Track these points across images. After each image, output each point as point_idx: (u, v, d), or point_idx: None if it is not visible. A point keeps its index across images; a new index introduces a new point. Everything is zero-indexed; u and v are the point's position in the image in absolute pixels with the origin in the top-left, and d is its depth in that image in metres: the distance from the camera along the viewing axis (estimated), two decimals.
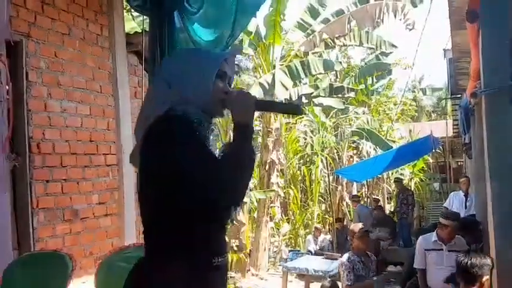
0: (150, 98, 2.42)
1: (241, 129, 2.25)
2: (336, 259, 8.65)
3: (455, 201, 12.14)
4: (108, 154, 6.05)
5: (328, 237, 14.78)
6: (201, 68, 2.29)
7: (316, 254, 12.58)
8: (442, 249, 6.40)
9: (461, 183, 12.61)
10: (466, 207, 11.80)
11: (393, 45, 15.91)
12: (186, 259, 2.15)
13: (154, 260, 2.20)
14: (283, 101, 11.55)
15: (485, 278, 4.73)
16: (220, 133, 13.10)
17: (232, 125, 2.28)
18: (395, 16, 12.05)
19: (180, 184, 2.08)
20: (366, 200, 21.63)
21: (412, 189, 20.02)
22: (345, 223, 15.45)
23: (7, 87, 4.50)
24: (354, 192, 21.22)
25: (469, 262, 4.81)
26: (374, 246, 7.59)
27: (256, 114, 14.11)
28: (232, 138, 2.27)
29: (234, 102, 2.27)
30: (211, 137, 2.35)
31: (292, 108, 2.63)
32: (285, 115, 14.70)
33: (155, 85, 2.41)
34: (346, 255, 6.59)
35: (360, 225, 7.02)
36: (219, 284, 2.29)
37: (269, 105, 2.72)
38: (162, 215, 2.19)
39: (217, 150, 2.33)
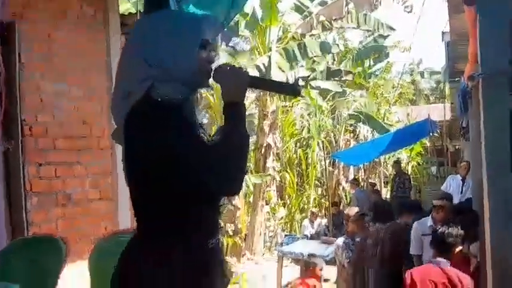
0: (126, 70, 2.26)
1: (232, 108, 2.15)
2: (332, 243, 8.65)
3: (452, 185, 12.18)
4: (101, 137, 6.00)
5: (324, 221, 14.79)
6: (182, 36, 2.17)
7: (312, 238, 12.59)
8: None
9: (461, 167, 12.63)
10: (462, 191, 11.83)
11: (391, 28, 15.86)
12: (180, 242, 2.13)
13: (147, 243, 2.18)
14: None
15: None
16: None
17: (223, 103, 2.17)
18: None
19: (170, 170, 2.04)
20: (362, 184, 21.67)
21: (409, 173, 20.04)
22: (341, 207, 15.45)
23: None
24: (351, 176, 21.22)
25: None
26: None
27: (253, 97, 14.11)
28: (223, 118, 2.16)
29: (225, 78, 2.15)
30: (197, 115, 2.25)
31: (289, 89, 2.50)
32: (282, 97, 14.68)
33: (130, 55, 2.26)
34: (341, 239, 6.61)
35: (356, 209, 7.04)
36: (216, 265, 2.26)
37: (264, 84, 2.59)
38: (152, 199, 2.16)
39: (203, 129, 2.24)
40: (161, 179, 2.08)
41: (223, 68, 2.20)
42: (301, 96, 19.95)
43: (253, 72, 12.70)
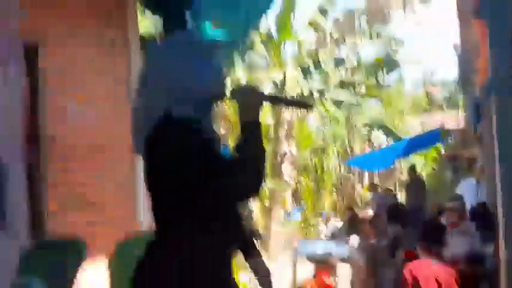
0: (144, 92, 2.34)
1: (248, 127, 2.22)
2: (347, 244, 8.71)
3: (467, 189, 12.15)
4: (122, 146, 6.11)
5: (339, 224, 14.78)
6: (202, 54, 2.30)
7: (328, 239, 12.64)
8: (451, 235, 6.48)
9: (475, 171, 12.62)
10: (478, 194, 11.82)
11: (402, 42, 15.92)
12: (200, 249, 2.20)
13: (166, 249, 2.24)
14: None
15: None
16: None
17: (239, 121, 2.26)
18: (404, 12, 12.09)
19: (190, 184, 2.14)
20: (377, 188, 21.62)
21: (424, 178, 19.98)
22: (355, 212, 15.46)
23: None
24: (366, 182, 21.24)
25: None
26: None
27: (269, 106, 14.21)
28: (240, 136, 2.23)
29: (241, 98, 2.25)
30: (214, 129, 2.37)
31: (301, 104, 2.64)
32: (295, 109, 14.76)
33: (148, 77, 2.34)
34: (355, 239, 6.67)
35: (369, 211, 7.09)
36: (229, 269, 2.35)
37: (278, 100, 2.74)
38: (174, 210, 2.23)
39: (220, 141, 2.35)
40: (182, 193, 2.16)
41: (240, 87, 2.34)
42: (313, 108, 20.02)
43: (269, 87, 12.89)
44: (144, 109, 2.29)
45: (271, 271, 2.90)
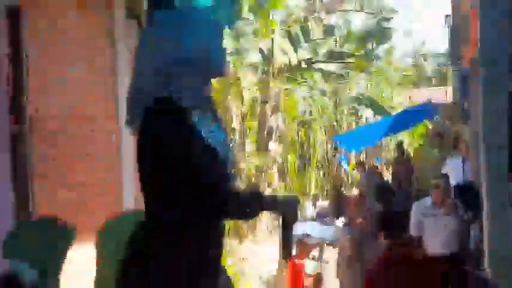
0: (141, 65, 2.34)
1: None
2: (333, 225, 8.75)
3: (453, 166, 12.20)
4: (107, 120, 6.06)
5: (326, 203, 14.85)
6: (205, 26, 2.30)
7: (313, 220, 12.69)
8: (437, 214, 6.48)
9: (460, 149, 12.67)
10: (463, 171, 11.88)
11: (394, 10, 15.83)
12: (190, 234, 2.23)
13: (158, 230, 2.26)
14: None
15: None
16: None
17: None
18: None
19: (181, 171, 2.14)
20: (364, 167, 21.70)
21: (411, 155, 20.05)
22: (342, 189, 15.51)
23: (7, 53, 4.52)
24: (353, 159, 21.26)
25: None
26: None
27: (255, 79, 14.10)
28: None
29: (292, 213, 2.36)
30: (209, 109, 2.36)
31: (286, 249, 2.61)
32: (285, 79, 14.66)
33: (145, 51, 2.34)
34: (341, 221, 6.68)
35: (356, 191, 7.08)
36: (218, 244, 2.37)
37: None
38: (165, 193, 2.23)
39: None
40: (173, 179, 2.16)
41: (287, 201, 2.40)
42: (304, 79, 20.00)
43: (255, 55, 12.80)
44: (138, 87, 2.29)
45: None
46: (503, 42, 4.24)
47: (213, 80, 2.44)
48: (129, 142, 6.25)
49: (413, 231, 6.67)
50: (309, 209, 13.96)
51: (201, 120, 2.23)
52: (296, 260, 6.86)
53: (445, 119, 21.82)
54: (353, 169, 20.30)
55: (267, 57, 13.05)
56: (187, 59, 2.21)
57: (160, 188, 2.23)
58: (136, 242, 2.31)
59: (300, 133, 19.41)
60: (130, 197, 6.09)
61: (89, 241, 4.62)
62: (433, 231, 6.51)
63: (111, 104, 6.10)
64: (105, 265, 3.56)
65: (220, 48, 2.31)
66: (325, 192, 17.96)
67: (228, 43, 13.38)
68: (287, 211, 2.35)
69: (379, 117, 18.70)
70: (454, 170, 11.91)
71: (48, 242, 3.63)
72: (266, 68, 13.84)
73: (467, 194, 7.77)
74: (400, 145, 16.58)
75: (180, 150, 2.13)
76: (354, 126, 21.27)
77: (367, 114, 21.61)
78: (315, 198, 14.28)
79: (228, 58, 2.39)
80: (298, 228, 10.22)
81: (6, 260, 3.44)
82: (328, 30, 14.45)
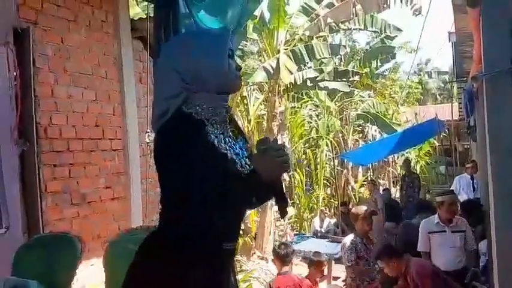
0: (162, 90, 2.43)
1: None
2: (341, 242, 8.73)
3: (462, 184, 12.19)
4: (114, 139, 6.13)
5: (334, 220, 14.84)
6: (214, 47, 2.35)
7: (321, 237, 12.67)
8: (445, 231, 6.49)
9: (468, 167, 12.67)
10: (474, 189, 11.85)
11: (398, 29, 15.88)
12: (196, 240, 2.25)
13: (166, 237, 2.32)
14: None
15: None
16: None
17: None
18: (401, 1, 12.00)
19: (193, 177, 2.18)
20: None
21: (418, 172, 20.05)
22: (350, 207, 15.47)
23: (15, 73, 4.58)
24: (360, 176, 21.24)
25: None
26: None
27: (261, 97, 14.11)
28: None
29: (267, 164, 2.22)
30: (224, 123, 2.41)
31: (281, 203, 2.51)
32: (291, 97, 14.64)
33: (161, 74, 2.47)
34: (349, 237, 6.66)
35: (364, 207, 7.06)
36: (226, 266, 2.43)
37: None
38: (177, 200, 2.28)
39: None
40: (186, 184, 2.20)
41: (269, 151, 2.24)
42: (310, 97, 20.06)
43: (261, 74, 12.85)
44: (161, 109, 2.37)
45: None
46: (507, 58, 4.26)
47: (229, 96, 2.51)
48: (136, 160, 6.31)
49: (421, 247, 6.69)
50: (317, 226, 13.94)
51: (215, 131, 2.32)
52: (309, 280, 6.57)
53: (452, 136, 21.83)
54: (360, 186, 20.30)
55: (273, 76, 13.09)
56: (199, 77, 2.30)
57: (168, 194, 2.32)
58: (143, 253, 2.38)
59: (306, 151, 19.43)
60: (139, 213, 6.14)
61: (97, 257, 4.66)
62: (440, 247, 6.52)
63: (118, 121, 6.18)
64: (113, 282, 3.58)
65: (230, 66, 2.37)
66: (332, 210, 17.93)
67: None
68: (260, 166, 2.22)
69: (384, 134, 18.70)
70: (464, 188, 11.93)
71: (57, 257, 3.65)
72: (272, 86, 13.89)
73: (474, 211, 7.79)
74: (407, 162, 16.56)
75: (188, 156, 2.19)
76: (360, 143, 21.29)
77: (373, 131, 21.65)
78: (323, 215, 14.26)
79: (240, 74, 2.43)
80: (307, 246, 10.25)
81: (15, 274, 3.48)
82: (333, 49, 14.47)
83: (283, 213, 2.40)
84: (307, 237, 12.91)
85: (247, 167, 2.35)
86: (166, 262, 2.27)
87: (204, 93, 2.32)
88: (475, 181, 12.26)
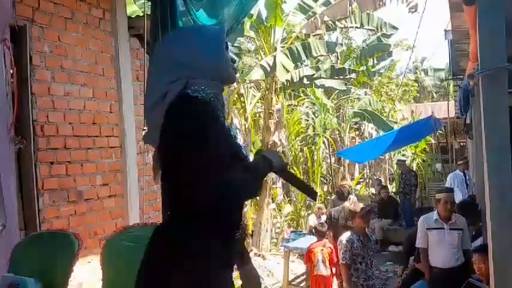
0: (159, 75, 2.44)
1: (264, 164, 2.42)
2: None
3: (455, 182, 12.28)
4: (110, 136, 6.14)
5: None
6: (213, 38, 2.43)
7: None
8: (443, 228, 6.51)
9: (460, 164, 12.76)
10: (467, 185, 11.94)
11: (394, 27, 15.90)
12: (212, 229, 2.24)
13: (181, 229, 2.27)
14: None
15: None
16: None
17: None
18: None
19: (204, 160, 2.17)
20: (368, 181, 21.73)
21: (414, 170, 20.10)
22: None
23: (11, 71, 4.58)
24: (356, 174, 21.27)
25: None
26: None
27: (258, 95, 14.08)
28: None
29: (274, 155, 2.47)
30: (223, 108, 2.47)
31: (309, 191, 2.72)
32: (287, 95, 14.59)
33: (162, 62, 2.46)
34: (345, 235, 6.68)
35: (361, 205, 7.09)
36: (235, 255, 2.50)
37: (291, 178, 2.77)
38: (186, 190, 2.23)
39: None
40: (198, 168, 2.17)
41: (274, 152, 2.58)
42: (306, 95, 20.08)
43: (258, 72, 12.86)
44: (159, 92, 2.38)
45: (260, 277, 2.92)
46: (503, 56, 4.27)
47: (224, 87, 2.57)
48: (133, 157, 6.32)
49: (419, 243, 6.73)
50: (312, 223, 13.94)
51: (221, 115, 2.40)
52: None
53: (448, 134, 21.86)
54: (357, 183, 20.34)
55: (270, 74, 13.10)
56: (198, 64, 2.36)
57: (184, 181, 2.23)
58: (156, 244, 2.36)
59: (303, 148, 19.46)
60: (136, 211, 6.15)
61: (94, 254, 4.67)
62: (437, 244, 6.55)
63: (115, 119, 6.18)
64: (110, 279, 3.59)
65: (226, 57, 2.44)
66: (329, 207, 17.93)
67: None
68: (276, 162, 2.44)
69: (381, 132, 18.73)
70: (459, 185, 12.01)
71: (54, 254, 3.67)
72: (269, 84, 13.91)
73: (471, 212, 7.81)
74: (401, 162, 16.60)
75: (212, 136, 2.20)
76: (356, 141, 21.32)
77: (370, 129, 21.68)
78: (320, 212, 14.23)
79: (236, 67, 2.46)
80: (303, 243, 10.26)
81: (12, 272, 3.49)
82: (330, 47, 14.48)
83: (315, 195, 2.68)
84: (304, 234, 12.91)
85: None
86: (199, 258, 2.25)
87: (203, 80, 2.35)
88: (467, 177, 12.35)
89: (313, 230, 9.84)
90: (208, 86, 2.35)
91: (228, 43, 2.48)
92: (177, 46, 2.41)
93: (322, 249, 8.21)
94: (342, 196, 13.17)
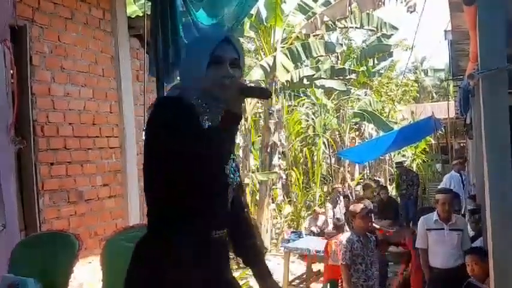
0: None
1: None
2: (337, 239, 8.77)
3: (452, 183, 12.27)
4: (111, 137, 6.14)
5: (330, 213, 14.73)
6: (194, 54, 2.36)
7: (317, 234, 12.69)
8: (443, 229, 6.51)
9: (455, 164, 12.76)
10: (463, 186, 11.95)
11: (394, 27, 15.90)
12: (185, 230, 2.24)
13: (157, 232, 2.32)
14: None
15: None
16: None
17: None
18: None
19: (169, 164, 2.20)
20: (368, 181, 21.69)
21: (414, 170, 20.09)
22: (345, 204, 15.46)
23: (11, 71, 4.58)
24: (356, 174, 21.25)
25: None
26: None
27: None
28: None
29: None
30: (210, 119, 2.30)
31: (258, 92, 2.46)
32: (287, 95, 14.56)
33: None
34: (345, 235, 6.66)
35: (361, 205, 7.06)
36: (219, 256, 2.39)
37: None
38: (158, 190, 2.29)
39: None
40: (163, 172, 2.23)
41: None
42: (306, 95, 20.07)
43: (258, 73, 12.86)
44: None
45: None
46: (503, 56, 4.27)
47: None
48: (133, 158, 6.32)
49: (418, 243, 6.73)
50: (312, 224, 13.94)
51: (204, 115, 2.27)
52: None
53: (448, 134, 21.87)
54: (357, 184, 20.31)
55: (270, 74, 13.11)
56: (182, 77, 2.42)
57: (156, 183, 2.30)
58: (136, 253, 2.36)
59: (303, 149, 19.46)
60: (136, 211, 6.15)
61: (94, 255, 4.66)
62: (437, 245, 6.54)
63: (115, 119, 6.18)
64: (110, 280, 3.59)
65: (212, 71, 2.33)
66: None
67: None
68: None
69: (381, 133, 18.73)
70: (456, 186, 12.00)
71: (54, 255, 3.67)
72: (269, 84, 13.91)
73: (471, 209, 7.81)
74: (400, 165, 16.58)
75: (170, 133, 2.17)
76: (356, 141, 21.32)
77: (370, 129, 21.68)
78: (316, 215, 14.24)
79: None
80: (303, 244, 10.28)
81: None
82: (330, 47, 14.50)
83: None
84: (304, 235, 12.93)
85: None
86: (160, 258, 2.27)
87: (186, 93, 2.31)
88: (464, 178, 12.35)
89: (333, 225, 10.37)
90: (188, 98, 2.28)
91: (222, 55, 2.32)
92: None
93: (336, 242, 8.27)
94: (335, 202, 13.24)
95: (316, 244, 9.97)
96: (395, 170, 19.23)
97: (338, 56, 22.69)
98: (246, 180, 13.35)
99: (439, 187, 11.25)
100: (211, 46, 2.32)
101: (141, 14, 6.49)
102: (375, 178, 19.87)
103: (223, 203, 2.39)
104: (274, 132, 14.12)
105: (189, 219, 2.25)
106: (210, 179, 2.25)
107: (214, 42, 2.34)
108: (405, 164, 17.42)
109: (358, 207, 6.86)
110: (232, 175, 2.40)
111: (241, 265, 2.71)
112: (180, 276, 2.23)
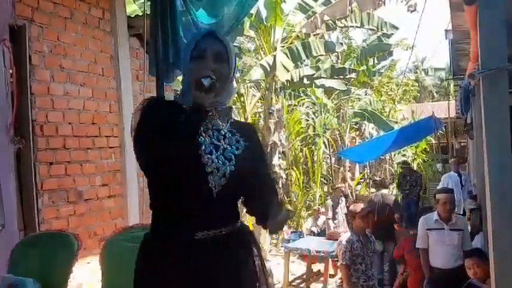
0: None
1: None
2: (337, 239, 8.76)
3: (450, 183, 12.27)
4: (110, 136, 6.13)
5: (330, 213, 14.69)
6: (183, 49, 2.48)
7: (317, 234, 12.68)
8: (443, 228, 6.50)
9: (452, 163, 12.74)
10: (462, 186, 11.94)
11: (394, 27, 15.88)
12: (168, 232, 2.28)
13: (149, 233, 2.39)
14: None
15: None
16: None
17: None
18: None
19: (142, 160, 2.42)
20: (368, 181, 21.69)
21: (415, 170, 20.07)
22: (347, 204, 15.43)
23: (11, 71, 4.57)
24: (357, 174, 21.24)
25: None
26: None
27: (258, 95, 14.05)
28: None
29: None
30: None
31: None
32: (287, 95, 14.55)
33: None
34: (346, 235, 6.65)
35: (361, 205, 7.05)
36: (202, 258, 2.28)
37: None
38: (149, 189, 2.42)
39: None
40: (145, 169, 2.44)
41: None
42: (306, 95, 20.06)
43: (258, 72, 12.85)
44: None
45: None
46: (504, 56, 4.26)
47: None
48: (132, 157, 6.30)
49: (419, 243, 6.72)
50: (312, 224, 13.92)
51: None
52: None
53: (448, 134, 21.86)
54: (357, 183, 20.32)
55: (269, 74, 13.09)
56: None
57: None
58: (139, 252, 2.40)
59: (303, 148, 19.43)
60: (135, 211, 6.14)
61: (93, 255, 4.65)
62: (437, 245, 6.53)
63: (114, 119, 6.17)
64: (109, 280, 3.58)
65: (191, 71, 2.39)
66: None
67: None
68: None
69: (382, 132, 18.72)
70: (454, 187, 11.99)
71: (53, 255, 3.66)
72: (269, 84, 13.90)
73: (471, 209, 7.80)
74: (406, 164, 16.55)
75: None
76: (357, 141, 21.30)
77: (370, 129, 21.67)
78: (317, 214, 14.21)
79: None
80: (303, 244, 10.26)
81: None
82: (330, 47, 14.48)
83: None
84: (304, 234, 12.92)
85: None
86: (141, 259, 2.35)
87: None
88: (462, 178, 12.34)
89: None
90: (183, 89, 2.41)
91: (205, 47, 2.33)
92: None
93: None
94: (336, 201, 13.20)
95: (317, 244, 9.97)
96: (398, 169, 19.22)
97: (338, 56, 22.68)
98: None
99: (438, 187, 11.26)
100: (195, 39, 2.37)
101: (140, 14, 6.48)
102: (375, 178, 19.83)
103: (203, 198, 2.31)
104: (274, 132, 14.09)
105: (168, 219, 2.30)
106: (182, 172, 2.25)
107: (199, 36, 2.38)
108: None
109: (358, 207, 6.86)
110: (220, 164, 2.34)
111: None
112: (156, 278, 2.26)
